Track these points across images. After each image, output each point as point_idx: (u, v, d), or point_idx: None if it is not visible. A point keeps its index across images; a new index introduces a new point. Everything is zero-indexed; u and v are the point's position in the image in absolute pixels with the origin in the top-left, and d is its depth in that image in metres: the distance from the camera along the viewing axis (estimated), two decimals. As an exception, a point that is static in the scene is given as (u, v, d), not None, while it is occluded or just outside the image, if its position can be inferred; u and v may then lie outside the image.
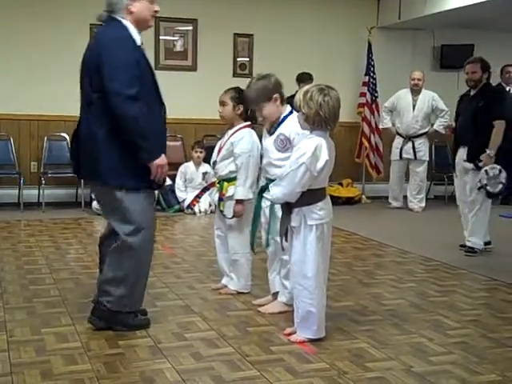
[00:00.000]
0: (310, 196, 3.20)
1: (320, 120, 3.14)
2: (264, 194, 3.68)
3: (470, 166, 5.44)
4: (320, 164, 3.14)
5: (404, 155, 8.10)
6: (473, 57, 5.84)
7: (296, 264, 3.26)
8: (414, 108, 8.02)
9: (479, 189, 5.33)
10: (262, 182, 3.79)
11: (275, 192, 3.23)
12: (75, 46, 7.80)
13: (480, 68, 5.46)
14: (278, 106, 3.66)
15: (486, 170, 5.24)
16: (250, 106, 3.83)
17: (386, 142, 8.69)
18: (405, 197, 8.29)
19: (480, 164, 5.33)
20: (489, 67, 5.51)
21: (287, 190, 3.17)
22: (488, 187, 5.23)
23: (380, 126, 8.59)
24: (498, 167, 5.28)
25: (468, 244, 5.60)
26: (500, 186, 5.25)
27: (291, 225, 3.25)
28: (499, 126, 5.36)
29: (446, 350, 3.25)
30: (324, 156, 3.15)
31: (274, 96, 3.64)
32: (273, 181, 3.58)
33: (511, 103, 5.87)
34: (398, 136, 8.21)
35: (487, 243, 5.68)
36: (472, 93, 5.59)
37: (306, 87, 3.24)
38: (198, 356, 3.08)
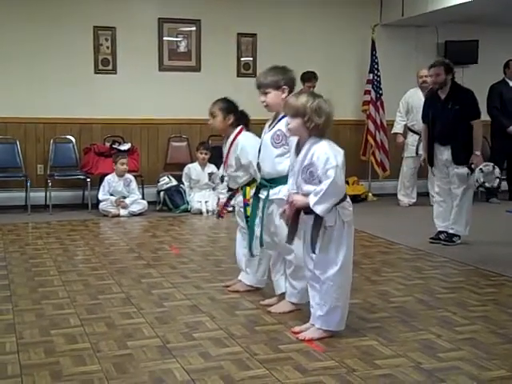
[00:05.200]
0: None
1: (325, 129, 3.18)
2: (259, 195, 3.69)
3: (465, 170, 5.55)
4: (340, 158, 3.14)
5: (420, 152, 8.07)
6: (435, 60, 5.93)
7: (330, 262, 3.27)
8: None
9: (478, 187, 5.65)
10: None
11: (322, 209, 3.14)
12: (79, 48, 7.91)
13: (444, 70, 5.58)
14: (283, 99, 3.54)
15: (480, 169, 5.51)
16: (257, 86, 3.68)
17: (391, 139, 8.67)
18: (420, 194, 8.31)
19: (473, 166, 5.53)
20: (452, 68, 5.63)
21: (335, 198, 3.15)
22: (486, 184, 5.53)
23: (392, 131, 8.44)
24: (491, 164, 5.60)
25: (451, 231, 5.73)
26: (497, 180, 5.60)
27: (326, 225, 3.23)
28: (478, 126, 5.59)
29: (455, 346, 3.24)
30: (339, 149, 3.18)
31: (283, 87, 3.61)
32: (267, 180, 3.62)
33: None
34: (411, 134, 8.18)
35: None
36: (442, 96, 5.67)
37: (304, 96, 3.20)
38: (206, 355, 3.08)
